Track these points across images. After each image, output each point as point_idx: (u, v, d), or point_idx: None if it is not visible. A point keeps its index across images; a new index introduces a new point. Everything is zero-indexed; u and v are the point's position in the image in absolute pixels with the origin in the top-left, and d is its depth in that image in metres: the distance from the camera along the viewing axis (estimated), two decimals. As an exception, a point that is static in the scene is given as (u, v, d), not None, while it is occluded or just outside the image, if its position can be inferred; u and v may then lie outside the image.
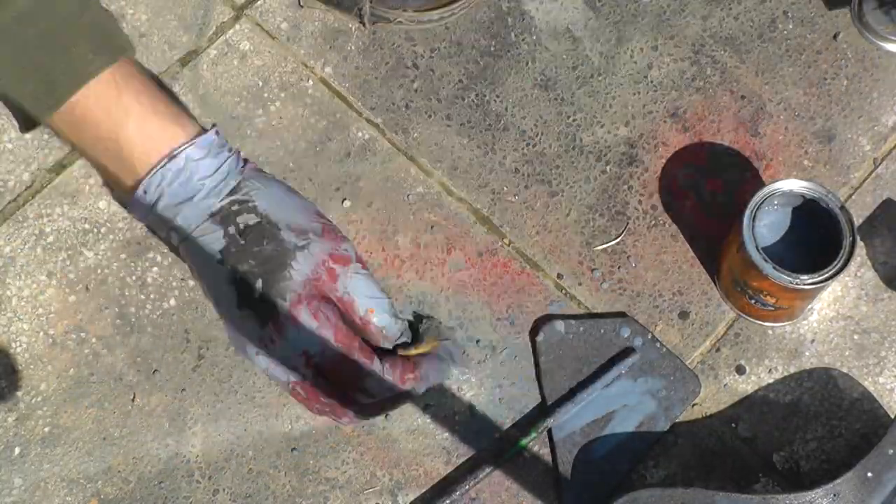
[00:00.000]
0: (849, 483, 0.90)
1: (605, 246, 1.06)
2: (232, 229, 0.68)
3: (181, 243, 0.70)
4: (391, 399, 0.75)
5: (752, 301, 0.98)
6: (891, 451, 0.91)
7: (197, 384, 1.03)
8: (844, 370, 1.01)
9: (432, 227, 1.08)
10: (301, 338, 0.68)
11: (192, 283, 1.06)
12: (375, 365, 0.71)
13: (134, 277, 1.07)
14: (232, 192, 0.70)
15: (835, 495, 0.90)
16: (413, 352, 0.75)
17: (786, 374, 1.01)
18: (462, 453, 1.00)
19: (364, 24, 1.14)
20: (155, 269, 1.07)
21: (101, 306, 1.06)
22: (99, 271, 1.07)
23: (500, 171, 1.10)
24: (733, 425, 1.00)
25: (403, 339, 0.75)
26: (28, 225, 1.09)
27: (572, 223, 1.07)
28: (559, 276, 1.06)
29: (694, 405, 1.00)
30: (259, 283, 0.68)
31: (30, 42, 0.65)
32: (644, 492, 0.92)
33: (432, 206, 1.09)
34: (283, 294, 0.68)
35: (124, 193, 0.70)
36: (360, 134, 1.12)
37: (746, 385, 1.01)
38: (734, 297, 1.01)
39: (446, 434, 1.00)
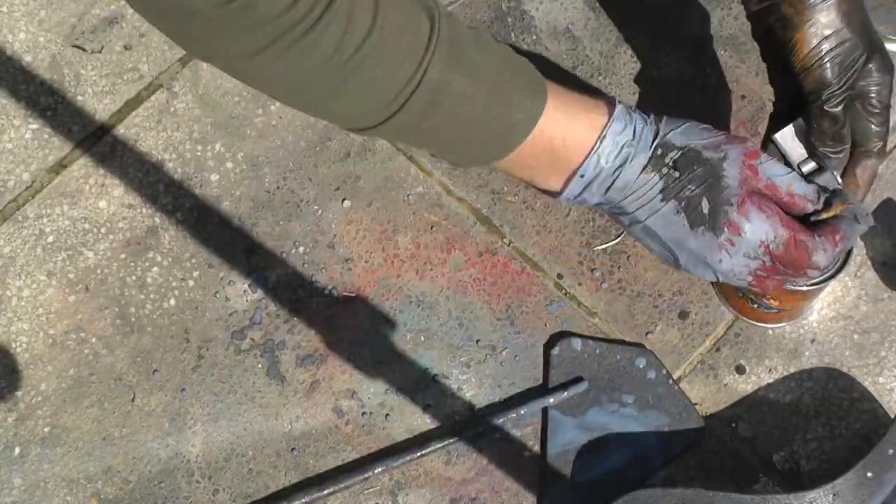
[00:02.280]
0: (849, 483, 0.90)
1: (605, 246, 1.06)
2: (665, 169, 0.79)
3: (620, 202, 0.80)
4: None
5: (755, 306, 0.98)
6: (891, 451, 0.91)
7: (197, 384, 1.03)
8: (844, 370, 1.01)
9: (432, 227, 1.08)
10: (756, 230, 0.79)
11: (191, 283, 1.06)
12: (816, 241, 0.80)
13: (134, 277, 1.07)
14: (653, 142, 0.79)
15: (835, 495, 0.90)
16: (828, 214, 0.82)
17: (786, 374, 1.01)
18: (462, 453, 1.00)
19: None
20: (155, 269, 1.07)
21: (101, 306, 1.06)
22: (99, 271, 1.07)
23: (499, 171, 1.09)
24: (733, 425, 1.00)
25: (821, 200, 0.83)
26: (28, 225, 1.09)
27: (572, 223, 1.07)
28: (559, 276, 1.06)
29: (694, 405, 1.00)
30: (704, 202, 0.78)
31: (473, 118, 0.73)
32: (644, 492, 0.92)
33: (432, 206, 1.09)
34: (729, 200, 0.78)
35: (549, 188, 0.81)
36: (359, 134, 1.12)
37: (746, 385, 1.01)
38: (734, 301, 1.01)
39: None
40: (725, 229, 0.78)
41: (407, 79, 0.69)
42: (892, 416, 0.98)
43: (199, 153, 1.11)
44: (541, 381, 1.02)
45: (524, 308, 1.05)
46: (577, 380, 1.01)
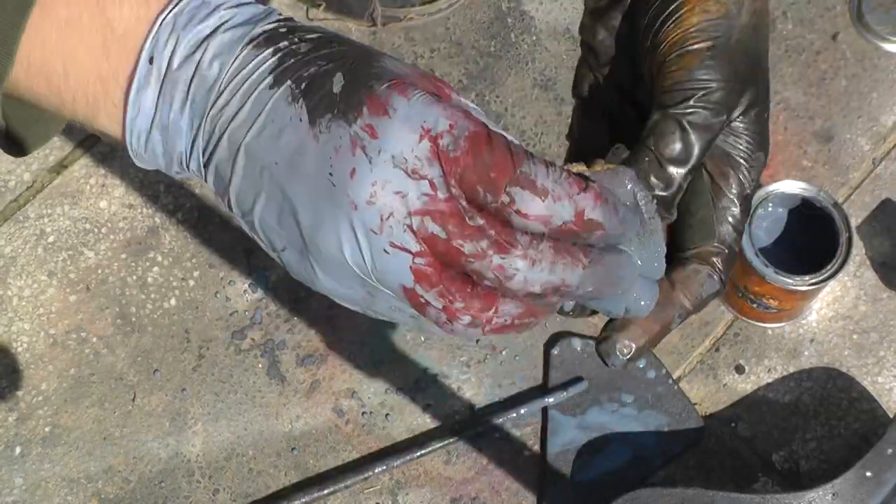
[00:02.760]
0: (848, 483, 0.91)
1: (604, 246, 1.06)
2: (285, 43, 0.47)
3: (208, 115, 0.47)
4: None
5: (755, 305, 0.98)
6: (890, 451, 0.91)
7: (197, 384, 1.03)
8: (843, 370, 1.01)
9: (432, 227, 1.08)
10: (414, 108, 0.44)
11: (192, 283, 1.06)
12: (534, 159, 0.45)
13: (135, 277, 1.07)
14: (267, 18, 0.48)
15: (834, 495, 0.90)
16: (582, 169, 0.50)
17: (785, 373, 1.01)
18: (462, 453, 1.00)
19: (377, 26, 1.14)
20: (155, 268, 1.07)
21: (102, 306, 1.06)
22: (100, 271, 1.07)
23: (499, 171, 1.10)
24: (733, 425, 1.00)
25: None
26: (29, 225, 1.09)
27: (572, 223, 1.07)
28: (559, 275, 1.06)
29: (694, 405, 1.01)
30: (338, 77, 0.45)
31: None
32: (644, 491, 0.92)
33: (432, 206, 1.09)
34: (380, 77, 0.45)
35: (115, 110, 0.49)
36: (360, 134, 1.12)
37: (746, 385, 1.01)
38: (734, 300, 1.01)
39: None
40: (365, 108, 0.44)
41: None
42: (891, 416, 0.99)
43: (199, 153, 1.11)
44: (541, 381, 1.02)
45: (524, 308, 1.05)
46: (577, 379, 1.01)
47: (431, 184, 0.43)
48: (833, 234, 0.94)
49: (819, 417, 1.00)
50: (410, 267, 0.43)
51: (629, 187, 0.48)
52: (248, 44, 0.47)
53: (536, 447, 1.00)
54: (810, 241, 0.97)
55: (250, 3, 0.49)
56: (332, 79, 0.45)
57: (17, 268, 1.07)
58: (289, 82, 0.46)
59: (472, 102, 0.47)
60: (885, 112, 1.10)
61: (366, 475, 0.99)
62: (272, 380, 1.03)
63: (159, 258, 1.07)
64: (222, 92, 0.47)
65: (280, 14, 0.49)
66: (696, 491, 0.92)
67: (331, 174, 0.44)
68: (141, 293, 1.06)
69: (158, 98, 0.48)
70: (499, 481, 0.99)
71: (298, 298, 1.06)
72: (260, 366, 1.04)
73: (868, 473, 0.91)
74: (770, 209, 0.98)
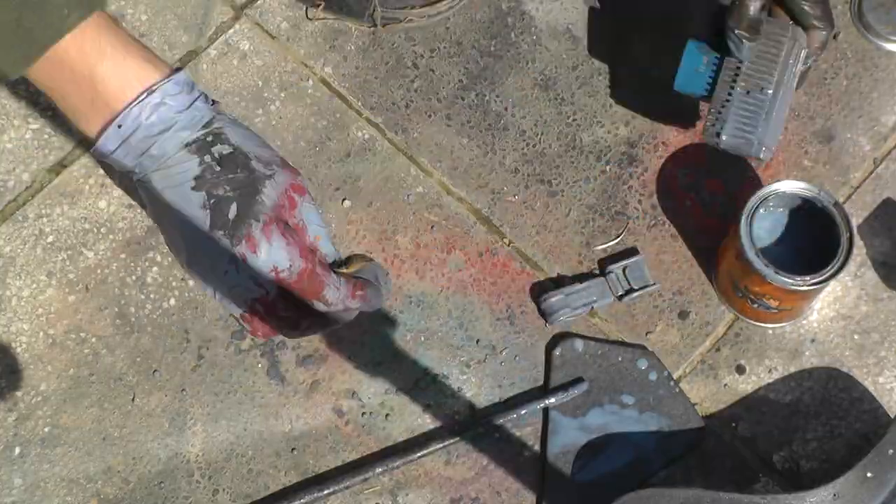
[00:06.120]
0: (849, 483, 0.90)
1: (604, 246, 1.06)
2: (208, 158, 0.77)
3: (151, 173, 0.77)
4: (330, 320, 0.88)
5: (755, 305, 0.98)
6: (891, 451, 0.91)
7: (197, 384, 1.03)
8: (844, 370, 1.01)
9: (432, 227, 1.08)
10: (272, 253, 0.78)
11: (191, 282, 1.06)
12: (332, 278, 0.83)
13: (134, 277, 1.07)
14: (206, 126, 0.78)
15: (835, 495, 0.90)
16: (348, 270, 0.89)
17: (786, 373, 1.01)
18: (462, 453, 1.00)
19: (377, 26, 1.14)
20: (155, 268, 1.07)
21: (101, 306, 1.06)
22: (99, 271, 1.07)
23: (499, 171, 1.10)
24: (733, 425, 1.00)
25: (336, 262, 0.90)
26: (28, 225, 1.09)
27: (572, 223, 1.07)
28: (559, 276, 1.06)
29: (694, 405, 1.00)
30: (234, 207, 0.76)
31: (6, 2, 0.70)
32: (644, 492, 0.92)
33: (432, 206, 1.09)
34: (258, 216, 0.77)
35: (90, 134, 0.78)
36: (360, 134, 1.12)
37: (746, 385, 1.01)
38: (734, 301, 1.01)
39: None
40: (244, 242, 0.77)
41: None
42: (892, 416, 0.99)
43: (199, 153, 1.11)
44: (541, 382, 1.02)
45: (524, 308, 1.04)
46: (578, 380, 1.01)
47: (265, 295, 0.82)
48: (834, 234, 0.94)
49: (820, 417, 1.00)
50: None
51: (377, 276, 0.94)
52: (185, 146, 0.77)
53: (537, 448, 1.00)
54: (811, 241, 0.97)
55: (194, 106, 0.78)
56: (230, 206, 0.76)
57: (16, 268, 1.07)
58: (203, 194, 0.77)
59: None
60: (885, 112, 1.10)
61: (366, 476, 0.98)
62: (272, 380, 1.03)
63: (158, 258, 1.07)
64: (159, 169, 0.77)
65: (211, 110, 0.80)
66: (696, 491, 0.92)
67: (213, 269, 0.79)
68: (140, 293, 1.06)
69: (118, 150, 0.78)
70: (499, 482, 0.99)
71: (298, 298, 1.05)
72: (260, 366, 1.03)
73: (869, 474, 0.91)
74: (770, 209, 0.98)
